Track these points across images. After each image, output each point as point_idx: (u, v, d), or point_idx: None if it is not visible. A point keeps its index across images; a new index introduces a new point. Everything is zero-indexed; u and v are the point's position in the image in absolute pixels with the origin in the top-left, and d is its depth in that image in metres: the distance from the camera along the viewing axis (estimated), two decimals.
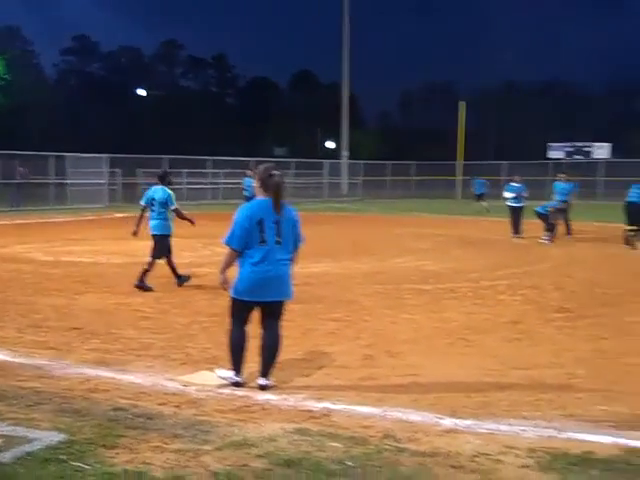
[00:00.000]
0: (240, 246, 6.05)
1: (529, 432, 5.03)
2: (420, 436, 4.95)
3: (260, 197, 6.15)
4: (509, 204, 20.93)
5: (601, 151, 50.33)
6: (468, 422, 5.24)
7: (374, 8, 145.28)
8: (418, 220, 29.79)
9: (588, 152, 51.51)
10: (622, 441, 4.84)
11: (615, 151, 55.69)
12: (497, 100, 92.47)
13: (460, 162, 53.31)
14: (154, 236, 11.57)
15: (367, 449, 4.67)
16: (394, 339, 8.15)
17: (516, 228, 20.59)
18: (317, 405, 5.60)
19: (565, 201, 20.54)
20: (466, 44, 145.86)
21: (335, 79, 66.64)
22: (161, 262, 11.43)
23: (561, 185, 21.01)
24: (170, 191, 11.70)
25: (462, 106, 52.83)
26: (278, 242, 6.05)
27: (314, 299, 10.49)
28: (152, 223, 11.60)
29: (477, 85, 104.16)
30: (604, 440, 4.87)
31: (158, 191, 11.67)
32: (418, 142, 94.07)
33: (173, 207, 11.55)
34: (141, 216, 11.73)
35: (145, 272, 11.29)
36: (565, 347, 7.78)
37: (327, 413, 5.40)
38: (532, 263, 15.27)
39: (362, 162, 53.01)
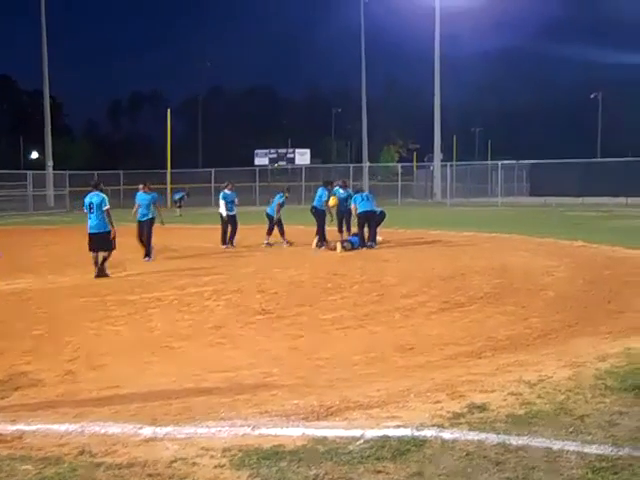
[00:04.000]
0: None
1: (225, 432, 5.20)
2: (118, 448, 4.93)
3: None
4: (224, 212, 20.32)
5: (302, 157, 52.84)
6: (168, 429, 5.30)
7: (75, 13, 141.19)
8: (127, 229, 29.29)
9: (292, 158, 53.80)
10: (310, 432, 5.17)
11: (313, 156, 58.80)
12: (204, 108, 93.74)
13: (169, 170, 53.31)
14: None
15: (60, 468, 4.55)
16: (97, 352, 8.02)
17: (228, 237, 20.36)
18: (9, 428, 5.36)
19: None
20: (170, 52, 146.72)
21: (37, 86, 63.68)
22: None
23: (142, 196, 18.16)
24: None
25: (169, 113, 52.88)
26: None
27: (13, 317, 10.06)
28: None
29: (184, 94, 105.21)
30: (294, 433, 5.16)
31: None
32: (128, 151, 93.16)
33: None
34: None
35: None
36: (263, 347, 8.13)
37: (19, 435, 5.19)
38: (238, 267, 15.71)
39: (67, 172, 51.16)
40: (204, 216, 35.04)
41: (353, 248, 18.74)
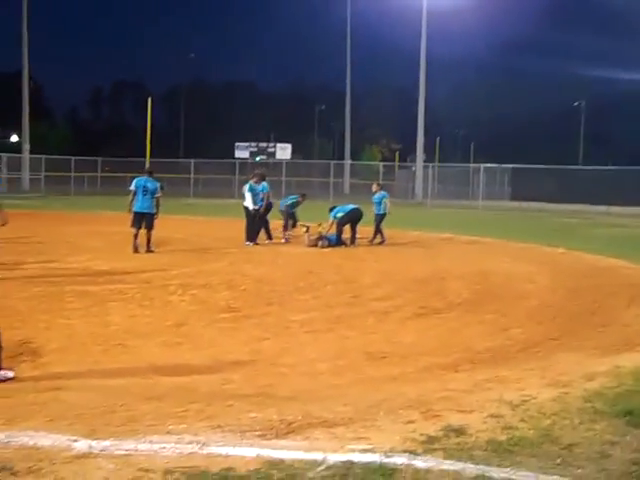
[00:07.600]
0: None
1: (169, 450, 4.57)
2: (44, 465, 4.29)
3: None
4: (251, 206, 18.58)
5: (283, 152, 52.12)
6: (106, 443, 4.67)
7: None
8: (101, 217, 28.61)
9: (273, 152, 53.07)
10: (265, 453, 4.56)
11: (295, 152, 58.10)
12: (186, 98, 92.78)
13: (148, 160, 52.52)
14: None
15: None
16: (41, 348, 7.37)
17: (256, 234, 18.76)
18: None
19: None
20: (152, 42, 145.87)
21: (18, 67, 62.55)
22: None
23: None
24: None
25: (149, 101, 52.04)
26: None
27: None
28: None
29: (167, 85, 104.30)
30: (247, 453, 4.55)
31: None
32: (108, 139, 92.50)
33: None
34: None
35: None
36: (225, 350, 7.53)
37: None
38: (208, 261, 15.09)
39: (44, 157, 50.28)
40: (184, 206, 34.51)
41: (330, 245, 18.18)
